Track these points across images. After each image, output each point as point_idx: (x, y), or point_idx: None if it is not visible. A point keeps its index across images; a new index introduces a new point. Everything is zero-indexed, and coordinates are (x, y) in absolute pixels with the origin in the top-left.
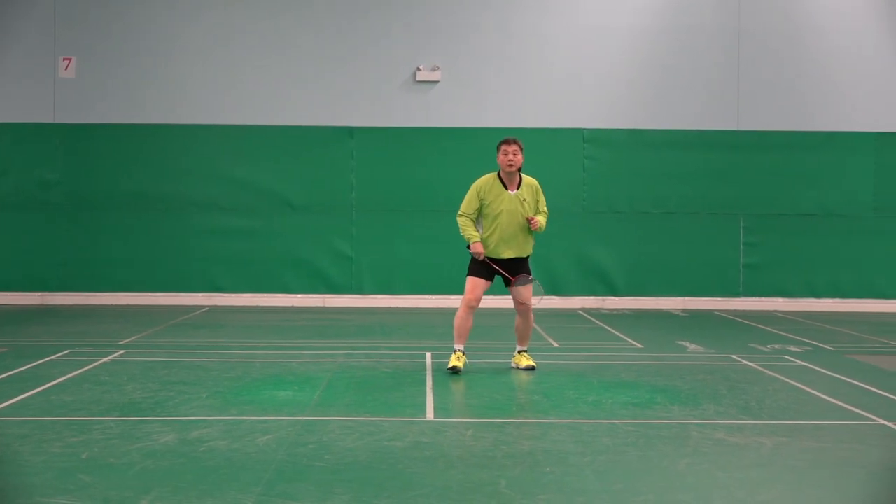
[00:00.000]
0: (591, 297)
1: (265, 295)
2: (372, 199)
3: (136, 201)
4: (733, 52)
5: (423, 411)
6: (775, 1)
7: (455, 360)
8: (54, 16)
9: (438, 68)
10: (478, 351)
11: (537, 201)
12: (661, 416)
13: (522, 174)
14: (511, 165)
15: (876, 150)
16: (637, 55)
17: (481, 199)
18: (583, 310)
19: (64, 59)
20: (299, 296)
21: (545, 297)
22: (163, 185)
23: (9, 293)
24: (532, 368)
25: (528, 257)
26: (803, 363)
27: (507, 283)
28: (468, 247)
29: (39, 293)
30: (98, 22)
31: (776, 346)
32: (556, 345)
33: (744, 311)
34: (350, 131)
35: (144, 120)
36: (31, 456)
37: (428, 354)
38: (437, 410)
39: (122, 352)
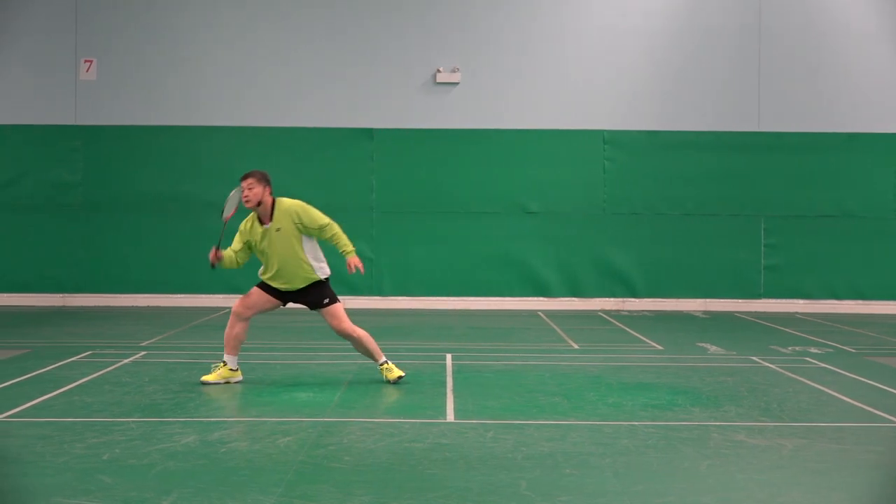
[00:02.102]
0: (611, 299)
1: None
2: (392, 200)
3: (156, 203)
4: (754, 53)
5: (443, 413)
6: (797, 1)
7: (211, 374)
8: (75, 18)
9: (458, 70)
10: (496, 353)
11: (301, 224)
12: (681, 418)
13: (279, 200)
14: (248, 202)
15: None
16: (657, 56)
17: (245, 241)
18: (602, 311)
19: (85, 61)
20: None
21: (567, 298)
22: (182, 186)
23: (29, 294)
24: (400, 378)
25: (320, 282)
26: (824, 365)
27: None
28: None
29: (60, 294)
30: (118, 24)
31: (797, 348)
32: (576, 346)
33: (764, 312)
34: (370, 133)
35: (164, 121)
36: (52, 457)
37: (448, 356)
38: (458, 412)
39: (142, 353)
